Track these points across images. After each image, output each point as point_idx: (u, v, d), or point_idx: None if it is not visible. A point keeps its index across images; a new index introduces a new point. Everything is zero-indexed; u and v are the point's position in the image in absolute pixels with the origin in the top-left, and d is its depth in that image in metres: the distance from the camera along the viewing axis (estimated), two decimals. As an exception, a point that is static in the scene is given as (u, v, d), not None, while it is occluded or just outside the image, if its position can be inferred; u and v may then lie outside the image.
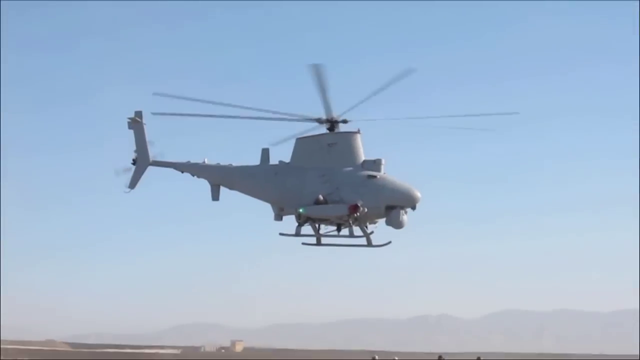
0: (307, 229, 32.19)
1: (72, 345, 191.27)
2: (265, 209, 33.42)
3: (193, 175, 33.33)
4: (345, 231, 31.49)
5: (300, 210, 30.71)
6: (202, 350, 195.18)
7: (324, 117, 31.50)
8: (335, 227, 31.74)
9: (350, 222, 30.40)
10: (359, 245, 31.55)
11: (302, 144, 31.45)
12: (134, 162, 33.08)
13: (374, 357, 40.53)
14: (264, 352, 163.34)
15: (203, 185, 34.17)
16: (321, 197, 30.22)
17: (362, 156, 31.09)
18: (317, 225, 31.53)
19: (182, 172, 33.66)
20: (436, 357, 43.69)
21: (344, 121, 31.85)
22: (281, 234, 33.84)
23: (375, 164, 31.00)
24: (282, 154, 33.20)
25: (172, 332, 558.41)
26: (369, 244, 30.83)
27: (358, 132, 31.53)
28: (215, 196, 33.48)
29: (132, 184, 33.65)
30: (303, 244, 33.10)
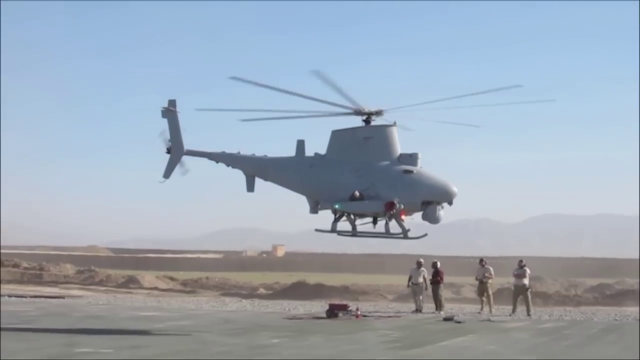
0: (342, 224, 32.70)
1: (114, 250, 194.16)
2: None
3: (228, 166, 33.32)
4: (381, 224, 31.82)
5: (336, 206, 30.62)
6: (244, 254, 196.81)
7: (359, 108, 31.19)
8: (371, 219, 31.92)
9: (387, 218, 30.44)
10: (395, 237, 31.90)
11: (338, 136, 31.08)
12: (168, 151, 33.11)
13: (419, 260, 40.72)
14: (305, 256, 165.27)
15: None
16: (357, 193, 30.02)
17: (399, 150, 30.78)
18: (353, 218, 31.64)
19: (217, 162, 33.55)
20: (477, 260, 43.84)
21: (379, 112, 31.46)
22: (317, 230, 34.30)
23: (412, 158, 30.60)
24: (318, 145, 32.58)
25: (212, 237, 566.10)
26: (405, 237, 31.01)
27: (394, 124, 31.22)
28: (250, 187, 33.55)
29: (167, 174, 33.51)
30: (339, 233, 33.58)
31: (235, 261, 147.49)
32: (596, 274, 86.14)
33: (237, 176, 32.49)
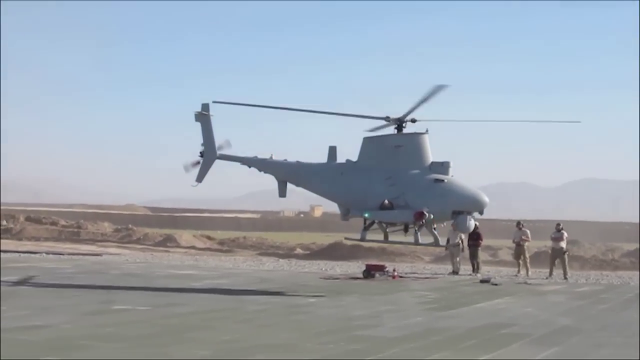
0: (372, 233, 32.70)
1: (152, 209, 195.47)
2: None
3: (260, 171, 33.35)
4: (411, 232, 31.52)
5: (366, 215, 30.43)
6: (281, 214, 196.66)
7: (391, 115, 30.87)
8: (402, 227, 31.74)
9: (416, 228, 30.22)
10: (426, 245, 31.93)
11: (369, 143, 30.79)
12: (201, 155, 33.08)
13: None
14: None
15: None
16: (387, 202, 29.72)
17: (430, 158, 30.39)
18: (384, 225, 31.45)
19: (249, 167, 33.51)
20: (514, 223, 43.65)
21: (413, 120, 31.09)
22: (346, 239, 34.43)
23: (443, 167, 30.21)
24: (349, 152, 32.39)
25: (249, 197, 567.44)
26: (437, 244, 30.81)
27: (426, 132, 30.83)
28: (282, 192, 33.58)
29: (200, 178, 33.54)
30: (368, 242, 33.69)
31: (272, 221, 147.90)
32: (634, 239, 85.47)
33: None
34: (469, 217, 29.80)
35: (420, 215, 29.18)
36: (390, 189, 30.11)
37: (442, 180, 29.85)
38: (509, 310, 24.22)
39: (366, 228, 31.12)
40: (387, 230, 31.42)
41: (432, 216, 29.36)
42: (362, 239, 31.65)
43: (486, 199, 30.31)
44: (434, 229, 30.21)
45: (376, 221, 30.88)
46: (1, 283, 27.85)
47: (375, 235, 32.51)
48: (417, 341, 17.46)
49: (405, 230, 31.01)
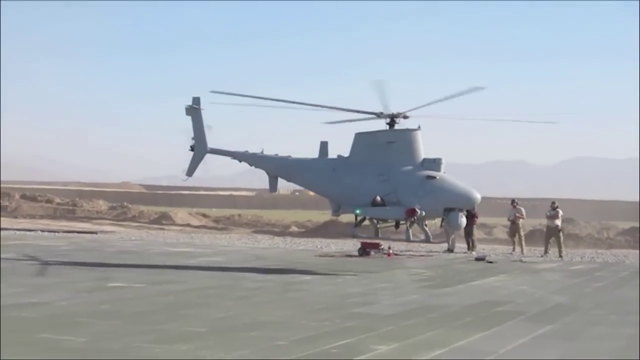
0: (363, 229, 32.66)
1: (147, 187, 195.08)
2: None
3: (251, 165, 33.19)
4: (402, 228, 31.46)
5: (357, 211, 30.36)
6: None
7: (384, 111, 30.68)
8: (393, 223, 31.72)
9: (408, 225, 30.11)
10: (417, 242, 31.72)
11: (361, 139, 30.62)
12: (192, 148, 32.97)
13: None
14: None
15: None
16: (378, 198, 29.61)
17: (422, 155, 30.25)
18: (375, 221, 31.42)
19: (240, 161, 33.48)
20: (509, 202, 43.62)
21: (405, 117, 30.95)
22: (338, 234, 34.51)
23: (435, 164, 30.14)
24: (341, 147, 32.12)
25: (245, 175, 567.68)
26: (428, 240, 30.69)
27: (418, 129, 30.67)
28: (273, 187, 33.57)
29: (190, 172, 33.54)
30: (360, 239, 33.78)
31: (267, 199, 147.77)
32: (629, 217, 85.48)
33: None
34: (460, 214, 29.80)
35: (412, 212, 29.18)
36: (382, 185, 30.07)
37: (434, 177, 29.83)
38: (504, 288, 24.28)
39: (357, 224, 31.20)
40: (378, 226, 31.48)
41: (423, 213, 29.36)
42: (354, 236, 31.74)
43: (478, 195, 30.36)
44: (425, 225, 30.19)
45: (367, 217, 30.93)
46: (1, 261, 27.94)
47: (366, 231, 32.71)
48: (413, 318, 17.51)
49: (397, 226, 31.07)
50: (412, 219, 29.58)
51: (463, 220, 30.33)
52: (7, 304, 17.77)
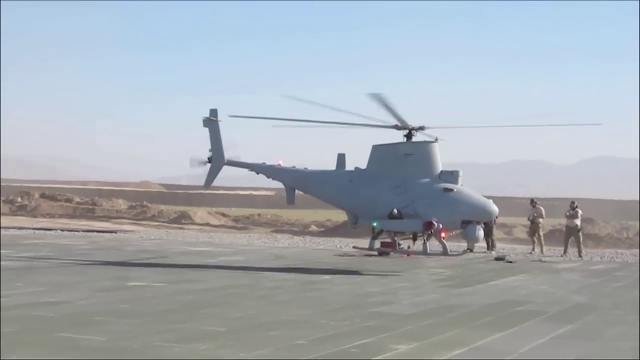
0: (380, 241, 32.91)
1: (166, 186, 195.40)
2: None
3: (268, 177, 33.35)
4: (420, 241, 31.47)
5: (375, 223, 30.30)
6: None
7: (401, 123, 30.70)
8: (410, 235, 31.78)
9: (425, 238, 30.09)
10: (435, 254, 31.64)
11: (378, 151, 30.58)
12: (209, 160, 33.14)
13: None
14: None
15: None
16: (395, 211, 29.55)
17: (440, 167, 30.19)
18: (393, 234, 31.50)
19: (257, 173, 33.60)
20: (529, 201, 43.56)
21: (422, 128, 30.96)
22: (355, 247, 34.40)
23: (453, 176, 30.04)
24: (358, 159, 32.19)
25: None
26: (445, 254, 30.58)
27: (436, 141, 30.62)
28: (291, 200, 33.68)
29: (207, 183, 33.73)
30: (377, 252, 33.78)
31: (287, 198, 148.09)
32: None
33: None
34: (478, 226, 29.66)
35: (429, 224, 29.05)
36: (399, 197, 29.93)
37: (452, 190, 29.64)
38: (523, 288, 24.21)
39: (375, 237, 31.08)
40: (395, 238, 31.42)
41: (441, 226, 29.23)
42: (371, 248, 31.64)
43: (495, 208, 30.18)
44: (443, 238, 30.07)
45: (385, 232, 30.88)
46: (8, 260, 28.03)
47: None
48: (432, 318, 17.47)
49: (414, 239, 30.99)
50: (430, 232, 29.47)
51: (480, 233, 30.13)
52: (27, 303, 17.82)
